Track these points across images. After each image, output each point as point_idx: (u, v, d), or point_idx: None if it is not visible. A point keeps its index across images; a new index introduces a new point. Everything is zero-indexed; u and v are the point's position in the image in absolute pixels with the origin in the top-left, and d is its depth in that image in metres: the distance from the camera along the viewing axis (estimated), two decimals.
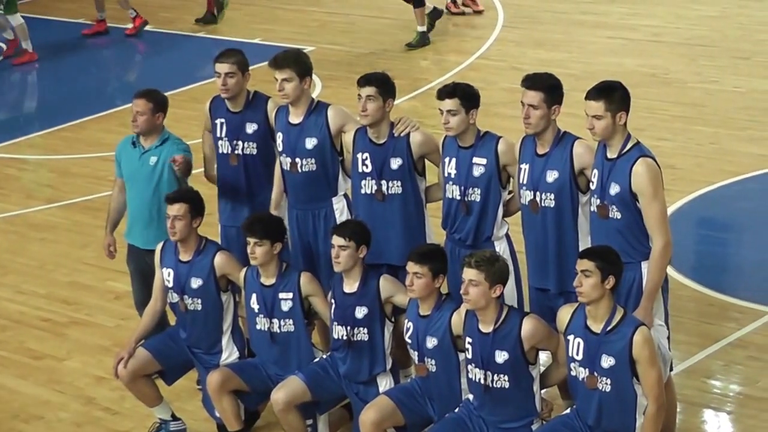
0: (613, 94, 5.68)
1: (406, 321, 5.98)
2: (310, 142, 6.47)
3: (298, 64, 6.44)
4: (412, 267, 5.80)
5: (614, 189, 5.67)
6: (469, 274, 5.56)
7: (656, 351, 5.49)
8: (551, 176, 5.89)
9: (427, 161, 6.40)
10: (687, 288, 7.76)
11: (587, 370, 5.45)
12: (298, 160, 6.49)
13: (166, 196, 6.45)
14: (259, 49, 12.61)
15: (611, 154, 5.72)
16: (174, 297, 6.49)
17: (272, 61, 6.49)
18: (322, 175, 6.50)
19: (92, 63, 13.77)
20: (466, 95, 6.07)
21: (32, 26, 14.02)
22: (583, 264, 5.40)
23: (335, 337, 6.19)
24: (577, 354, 5.48)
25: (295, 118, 6.53)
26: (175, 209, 6.32)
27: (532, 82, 5.89)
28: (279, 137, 6.57)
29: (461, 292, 5.61)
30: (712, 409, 6.63)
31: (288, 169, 6.53)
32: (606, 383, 5.41)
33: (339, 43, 12.97)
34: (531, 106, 5.85)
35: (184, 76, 12.44)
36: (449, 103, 6.05)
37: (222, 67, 6.64)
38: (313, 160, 6.47)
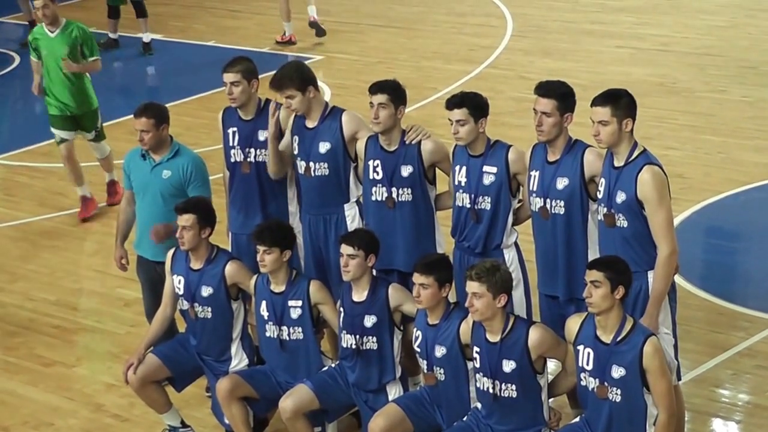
0: (619, 101, 5.70)
1: (415, 330, 5.99)
2: (324, 147, 6.50)
3: (293, 80, 6.45)
4: (417, 278, 5.81)
5: (620, 197, 5.68)
6: (471, 287, 5.57)
7: (666, 360, 5.50)
8: (561, 183, 5.90)
9: (437, 169, 6.42)
10: (696, 297, 7.76)
11: (597, 380, 5.45)
12: (311, 164, 6.52)
13: (175, 206, 6.46)
14: (269, 57, 12.66)
15: (618, 162, 5.74)
16: (184, 304, 6.51)
17: (271, 83, 6.53)
18: (335, 180, 6.53)
19: (102, 71, 13.79)
20: (474, 104, 6.09)
21: None
22: (592, 275, 5.41)
23: (344, 345, 6.20)
24: (587, 364, 5.48)
25: (311, 122, 6.56)
26: (184, 219, 6.34)
27: (545, 89, 5.91)
28: (295, 141, 6.60)
29: (466, 304, 5.62)
30: (721, 418, 6.63)
31: (302, 173, 6.57)
32: (616, 393, 5.41)
33: (348, 52, 13.01)
34: (544, 113, 5.87)
35: (194, 84, 12.48)
36: (458, 113, 6.07)
37: (228, 77, 6.67)
38: (326, 165, 6.50)
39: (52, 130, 9.53)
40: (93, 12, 14.79)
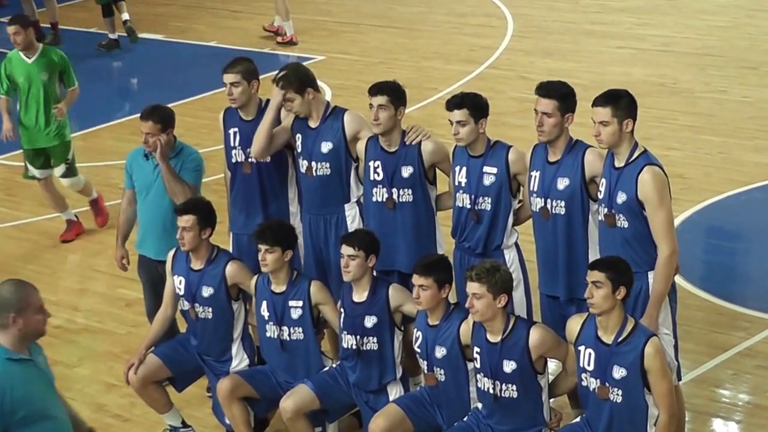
0: (620, 101, 5.71)
1: (415, 330, 5.99)
2: (326, 146, 6.51)
3: (291, 83, 6.46)
4: (417, 279, 5.81)
5: (621, 197, 5.69)
6: (471, 287, 5.57)
7: (667, 361, 5.51)
8: (562, 183, 5.91)
9: (437, 170, 6.43)
10: (696, 297, 7.77)
11: (598, 380, 5.46)
12: (314, 163, 6.53)
13: (176, 207, 6.48)
14: (271, 58, 12.67)
15: (618, 162, 5.75)
16: (185, 304, 6.52)
17: (273, 82, 6.54)
18: (336, 180, 6.54)
19: (104, 72, 13.84)
20: (474, 105, 6.10)
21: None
22: (593, 275, 5.41)
23: (345, 346, 6.21)
24: (588, 364, 5.48)
25: (313, 122, 6.58)
26: (184, 220, 6.36)
27: (546, 90, 5.92)
28: (298, 139, 6.62)
29: (466, 305, 5.63)
30: (721, 419, 6.64)
31: (304, 172, 6.59)
32: (617, 394, 5.42)
33: (349, 53, 13.02)
34: (545, 113, 5.88)
35: (195, 84, 12.49)
36: (458, 114, 6.08)
37: (227, 77, 6.69)
38: (327, 165, 6.51)
39: (27, 164, 9.09)
40: (94, 12, 14.77)
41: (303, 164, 6.59)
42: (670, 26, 13.44)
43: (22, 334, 4.70)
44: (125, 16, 13.71)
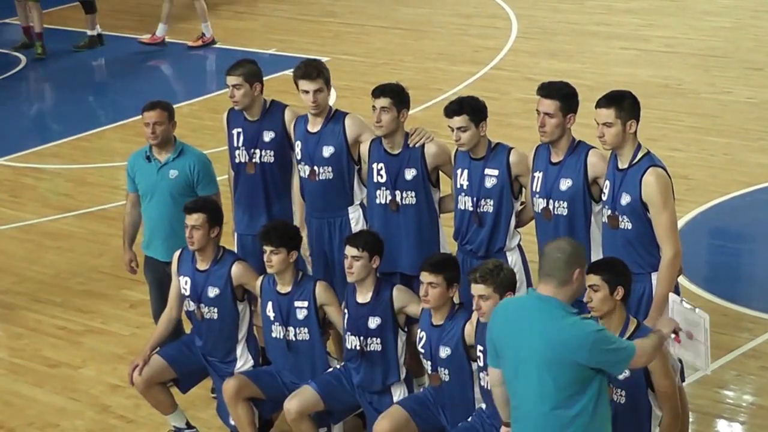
0: (623, 102, 5.71)
1: (419, 331, 6.00)
2: (328, 151, 6.52)
3: (326, 77, 6.48)
4: (426, 277, 5.81)
5: (625, 199, 5.69)
6: (477, 289, 5.56)
7: (670, 362, 5.51)
8: (564, 184, 5.91)
9: (441, 172, 6.43)
10: (700, 298, 7.76)
11: None
12: (316, 168, 6.54)
13: (185, 205, 6.48)
14: (274, 59, 12.68)
15: (622, 164, 5.75)
16: (190, 305, 6.53)
17: (301, 73, 6.51)
18: (339, 183, 6.55)
19: (108, 72, 13.86)
20: (473, 109, 6.09)
21: (49, 36, 14.15)
22: (590, 279, 5.39)
23: (348, 347, 6.21)
24: None
25: (314, 126, 6.58)
26: (194, 219, 6.36)
27: (547, 90, 5.92)
28: (298, 146, 6.63)
29: (473, 307, 5.62)
30: (725, 419, 6.64)
31: (307, 177, 6.59)
32: (621, 395, 5.42)
33: (353, 54, 13.02)
34: (546, 114, 5.88)
35: (199, 86, 12.51)
36: (458, 120, 6.08)
37: (230, 79, 6.71)
38: (330, 169, 6.52)
39: None
40: (97, 13, 14.81)
41: (304, 169, 6.59)
42: (675, 27, 13.43)
43: (575, 292, 4.70)
44: (95, 31, 13.77)
